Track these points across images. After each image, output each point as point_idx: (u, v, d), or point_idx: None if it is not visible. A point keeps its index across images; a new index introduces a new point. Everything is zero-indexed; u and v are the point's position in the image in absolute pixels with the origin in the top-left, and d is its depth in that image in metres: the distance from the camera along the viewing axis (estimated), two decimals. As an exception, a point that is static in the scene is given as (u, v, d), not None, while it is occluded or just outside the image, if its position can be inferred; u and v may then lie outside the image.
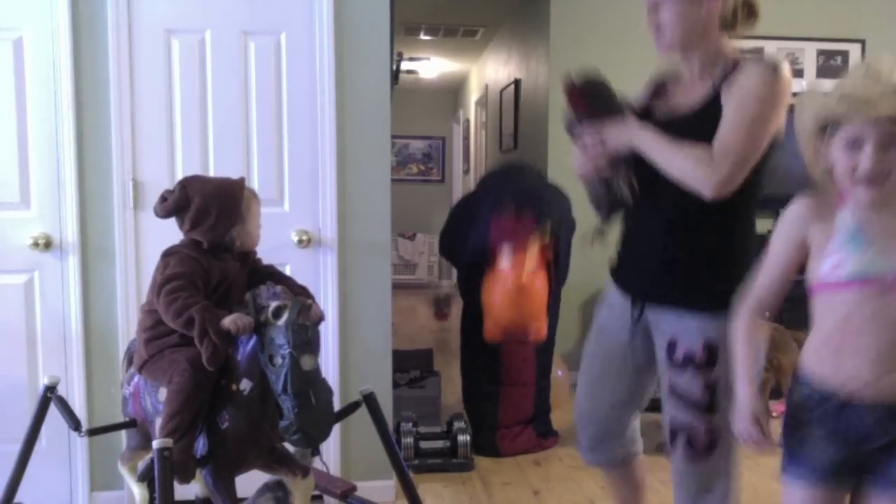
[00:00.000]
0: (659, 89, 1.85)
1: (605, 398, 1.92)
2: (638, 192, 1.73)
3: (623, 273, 1.88)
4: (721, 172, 1.57)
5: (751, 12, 1.72)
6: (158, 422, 1.81)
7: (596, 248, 1.85)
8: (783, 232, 1.47)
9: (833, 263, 1.36)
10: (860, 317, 1.33)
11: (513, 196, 3.09)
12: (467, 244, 3.33)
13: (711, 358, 1.68)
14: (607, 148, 1.71)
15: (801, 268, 1.45)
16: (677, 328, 1.72)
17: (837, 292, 1.36)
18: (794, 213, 1.45)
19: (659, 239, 1.76)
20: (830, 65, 4.68)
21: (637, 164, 1.70)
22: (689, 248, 1.72)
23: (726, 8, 1.69)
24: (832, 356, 1.39)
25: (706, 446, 1.71)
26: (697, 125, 1.65)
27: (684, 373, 1.71)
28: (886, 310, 1.32)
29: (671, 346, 1.73)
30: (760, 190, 1.72)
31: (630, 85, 1.93)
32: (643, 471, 2.06)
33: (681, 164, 1.61)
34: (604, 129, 1.72)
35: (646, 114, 1.78)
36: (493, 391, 3.45)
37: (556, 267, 3.34)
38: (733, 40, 1.73)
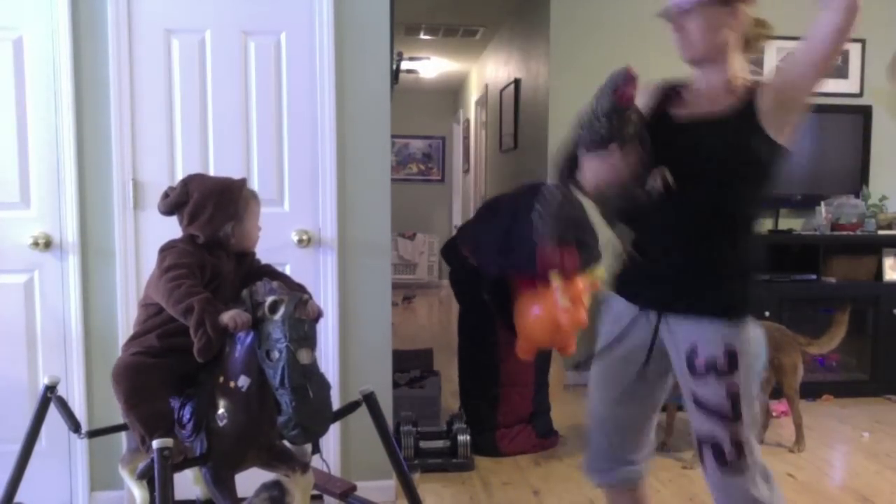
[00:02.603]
0: (670, 97, 1.83)
1: (625, 415, 1.89)
2: (672, 183, 1.69)
3: (634, 284, 1.84)
4: None
5: (764, 34, 1.77)
6: None
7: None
8: None
9: None
10: None
11: (567, 228, 3.02)
12: (499, 256, 3.26)
13: (732, 364, 1.67)
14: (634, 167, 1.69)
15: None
16: (697, 336, 1.71)
17: None
18: None
19: (675, 248, 1.75)
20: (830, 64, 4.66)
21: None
22: (704, 257, 1.72)
23: (747, 27, 1.72)
24: None
25: (735, 456, 1.68)
26: (736, 124, 1.66)
27: (706, 382, 1.70)
28: None
29: (691, 355, 1.72)
30: (765, 200, 1.76)
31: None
32: (647, 492, 2.03)
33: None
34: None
35: (659, 120, 1.76)
36: (492, 392, 3.44)
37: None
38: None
